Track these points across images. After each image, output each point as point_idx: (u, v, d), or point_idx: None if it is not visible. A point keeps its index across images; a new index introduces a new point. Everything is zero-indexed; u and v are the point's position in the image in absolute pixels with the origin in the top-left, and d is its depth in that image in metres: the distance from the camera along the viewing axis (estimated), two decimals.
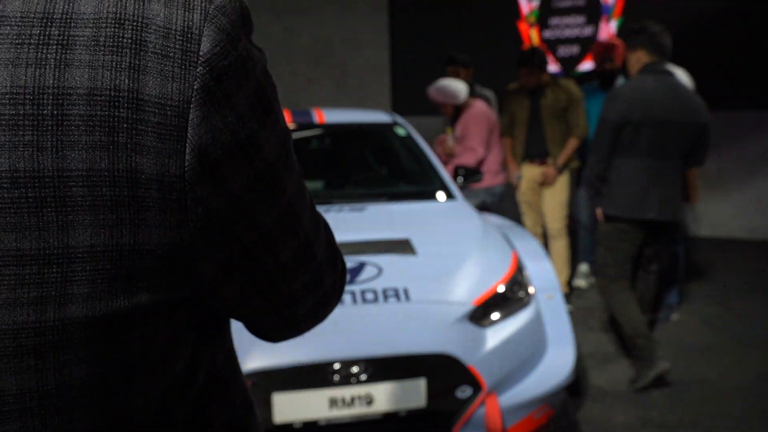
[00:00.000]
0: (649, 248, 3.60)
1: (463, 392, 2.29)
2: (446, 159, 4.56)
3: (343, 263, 0.79)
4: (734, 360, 3.61)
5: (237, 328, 2.13)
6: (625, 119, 3.12)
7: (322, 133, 3.99)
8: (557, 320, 2.76)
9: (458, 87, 4.38)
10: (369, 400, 2.22)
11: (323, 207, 3.17)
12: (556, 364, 2.64)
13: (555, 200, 4.50)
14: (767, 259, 5.64)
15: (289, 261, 0.66)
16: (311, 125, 3.96)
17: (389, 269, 2.53)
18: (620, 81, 4.56)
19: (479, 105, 4.50)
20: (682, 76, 3.84)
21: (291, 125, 3.92)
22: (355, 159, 3.93)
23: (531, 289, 2.72)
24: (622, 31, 6.27)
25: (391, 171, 3.87)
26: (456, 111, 4.46)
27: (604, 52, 4.56)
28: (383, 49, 7.65)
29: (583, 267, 4.94)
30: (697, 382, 3.36)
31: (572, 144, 4.42)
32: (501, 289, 2.58)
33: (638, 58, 3.19)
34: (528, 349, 2.57)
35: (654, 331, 4.03)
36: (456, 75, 4.89)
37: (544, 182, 4.49)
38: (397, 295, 2.39)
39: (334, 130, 3.99)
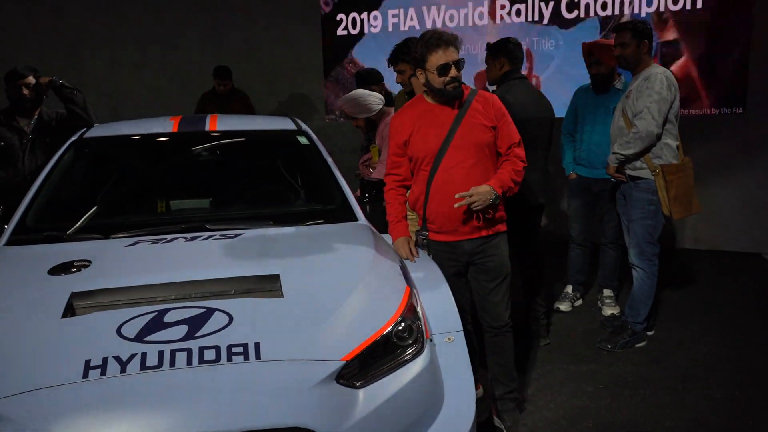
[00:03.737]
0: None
1: None
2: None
3: None
4: (670, 399, 3.24)
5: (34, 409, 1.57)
6: (526, 117, 3.48)
7: (212, 143, 3.50)
8: (457, 366, 2.33)
9: (367, 100, 3.88)
10: None
11: (190, 235, 2.70)
12: (455, 418, 2.22)
13: None
14: (710, 269, 5.34)
15: None
16: (201, 134, 3.48)
17: (241, 318, 2.07)
18: (619, 83, 4.17)
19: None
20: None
21: (176, 134, 3.44)
22: (248, 173, 3.46)
23: (426, 332, 2.29)
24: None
25: (288, 187, 3.41)
26: (368, 123, 3.96)
27: (587, 55, 4.16)
28: (316, 48, 7.16)
29: (607, 292, 4.41)
30: (627, 427, 2.98)
31: None
32: (385, 335, 2.14)
33: (501, 65, 3.76)
34: (418, 407, 2.14)
35: (590, 362, 3.65)
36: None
37: None
38: (244, 353, 1.93)
39: (226, 139, 3.51)
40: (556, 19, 6.01)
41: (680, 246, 6.00)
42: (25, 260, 2.55)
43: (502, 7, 6.24)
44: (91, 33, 7.53)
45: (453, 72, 2.65)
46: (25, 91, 3.71)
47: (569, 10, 5.97)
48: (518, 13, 6.18)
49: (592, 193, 4.29)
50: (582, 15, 5.93)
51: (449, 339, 2.38)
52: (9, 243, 2.73)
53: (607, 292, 4.42)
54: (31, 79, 3.73)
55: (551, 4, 6.01)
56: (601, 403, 3.20)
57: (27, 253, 2.63)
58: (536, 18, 6.10)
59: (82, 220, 2.87)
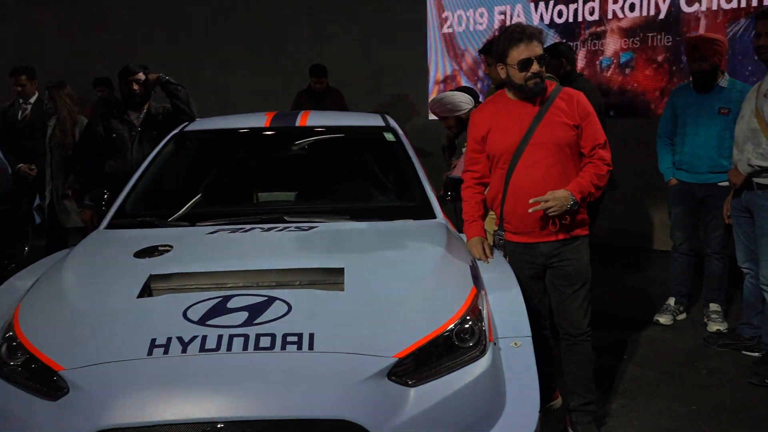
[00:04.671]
0: None
1: None
2: None
3: None
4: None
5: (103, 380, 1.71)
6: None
7: (301, 137, 3.60)
8: (522, 373, 2.23)
9: (457, 99, 3.83)
10: None
11: (267, 226, 2.78)
12: (515, 427, 2.13)
13: None
14: None
15: None
16: (290, 129, 3.59)
17: (299, 308, 2.10)
18: (724, 81, 3.85)
19: None
20: None
21: (267, 128, 3.57)
22: (333, 168, 3.51)
23: (490, 335, 2.22)
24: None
25: (370, 182, 3.43)
26: (459, 123, 3.89)
27: (691, 50, 3.85)
28: (421, 47, 7.17)
29: (714, 306, 4.09)
30: None
31: None
32: (444, 335, 2.10)
33: (561, 63, 3.90)
34: (474, 411, 2.08)
35: (686, 381, 3.39)
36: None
37: None
38: (298, 343, 1.96)
39: (314, 134, 3.59)
40: (675, 12, 5.63)
41: None
42: (117, 243, 2.75)
43: (615, 1, 5.93)
44: (208, 36, 7.99)
45: (535, 67, 2.55)
46: (136, 87, 3.98)
47: (689, 3, 5.57)
48: (632, 8, 5.85)
49: (696, 200, 3.97)
50: (704, 8, 5.52)
51: (516, 344, 2.29)
52: (108, 226, 2.95)
53: (713, 306, 4.09)
54: (141, 76, 4.00)
55: None
56: (692, 426, 2.96)
57: (121, 236, 2.82)
58: (651, 12, 5.75)
59: (184, 209, 3.01)
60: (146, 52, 7.66)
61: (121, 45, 7.77)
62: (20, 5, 7.99)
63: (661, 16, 5.70)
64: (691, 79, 4.00)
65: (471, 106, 3.83)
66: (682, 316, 4.24)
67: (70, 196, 4.66)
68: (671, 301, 4.24)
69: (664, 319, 4.16)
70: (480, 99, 4.23)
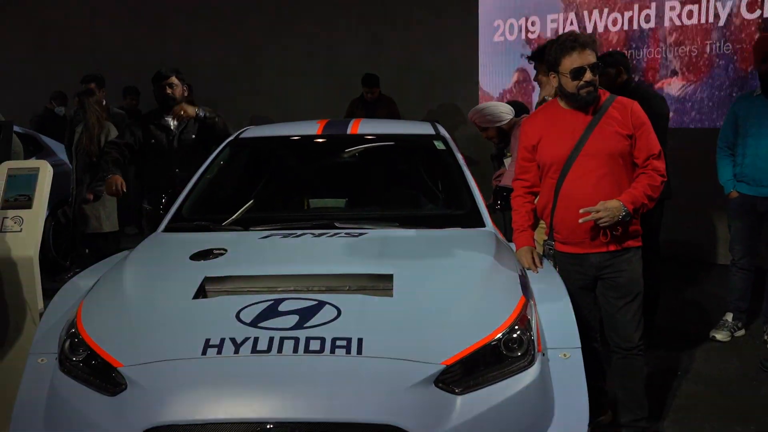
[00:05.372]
0: None
1: None
2: None
3: None
4: None
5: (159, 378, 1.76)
6: None
7: (351, 145, 3.65)
8: (571, 385, 2.20)
9: (498, 109, 3.81)
10: None
11: (318, 231, 2.82)
12: None
13: None
14: None
15: None
16: (341, 136, 3.64)
17: (349, 313, 2.13)
18: None
19: None
20: None
21: (319, 136, 3.63)
22: (383, 175, 3.54)
23: (539, 345, 2.20)
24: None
25: (419, 190, 3.44)
26: (500, 134, 3.88)
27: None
28: (473, 55, 7.16)
29: None
30: None
31: None
32: (492, 344, 2.10)
33: (618, 72, 3.80)
34: (521, 422, 2.07)
35: (743, 399, 3.28)
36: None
37: None
38: (347, 347, 1.99)
39: (364, 142, 3.63)
40: (735, 19, 5.47)
41: None
42: (174, 245, 2.84)
43: (672, 8, 5.80)
44: (266, 42, 8.17)
45: (588, 76, 2.52)
46: (169, 91, 4.05)
47: (750, 9, 5.40)
48: (690, 14, 5.71)
49: (758, 213, 3.84)
50: (766, 14, 5.34)
51: (565, 355, 2.26)
52: (165, 230, 3.05)
53: None
54: (174, 79, 4.07)
55: (729, 3, 5.47)
56: None
57: (177, 239, 2.91)
58: (710, 20, 5.60)
59: (238, 214, 3.08)
60: (205, 61, 7.92)
61: (181, 55, 8.01)
62: (85, 19, 8.35)
63: (721, 23, 5.55)
64: (758, 87, 3.86)
65: (511, 117, 3.81)
66: (741, 333, 4.09)
67: (91, 201, 4.74)
68: (729, 316, 4.10)
69: (720, 336, 4.03)
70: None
